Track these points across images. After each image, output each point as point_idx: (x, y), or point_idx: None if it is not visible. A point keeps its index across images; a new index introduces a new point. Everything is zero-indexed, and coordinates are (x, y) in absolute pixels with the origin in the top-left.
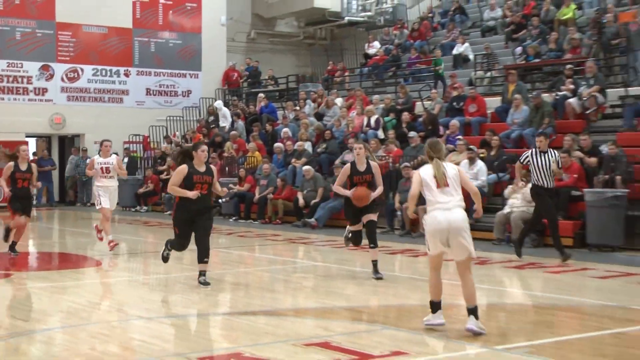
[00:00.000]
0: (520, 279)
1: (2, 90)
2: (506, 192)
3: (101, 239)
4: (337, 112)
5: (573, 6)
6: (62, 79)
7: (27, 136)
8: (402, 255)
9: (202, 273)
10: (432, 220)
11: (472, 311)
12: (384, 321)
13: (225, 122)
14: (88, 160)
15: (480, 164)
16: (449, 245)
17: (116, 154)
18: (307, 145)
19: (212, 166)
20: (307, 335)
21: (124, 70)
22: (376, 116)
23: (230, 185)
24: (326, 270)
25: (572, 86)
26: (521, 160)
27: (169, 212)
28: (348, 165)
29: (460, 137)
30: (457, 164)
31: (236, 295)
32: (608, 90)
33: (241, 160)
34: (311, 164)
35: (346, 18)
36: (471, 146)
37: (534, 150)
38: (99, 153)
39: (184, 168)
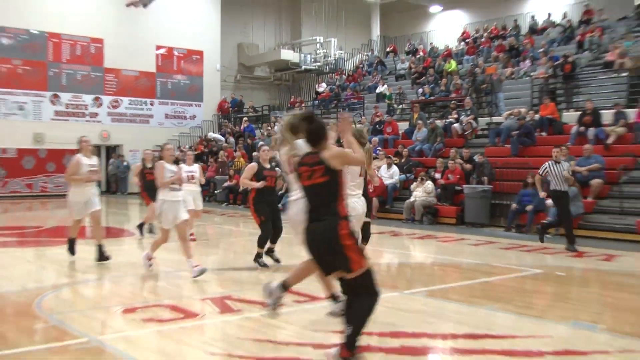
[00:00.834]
0: (420, 246)
1: (68, 114)
2: (412, 186)
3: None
4: None
5: (454, 62)
6: (108, 107)
7: None
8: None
9: (272, 249)
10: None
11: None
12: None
13: (218, 140)
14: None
15: (394, 168)
16: None
17: (179, 162)
18: (276, 154)
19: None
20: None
21: (150, 101)
22: None
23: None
24: (289, 239)
25: (455, 115)
26: (540, 173)
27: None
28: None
29: (380, 149)
30: (378, 167)
31: (227, 256)
32: (479, 118)
33: (230, 163)
34: (278, 167)
35: (303, 66)
36: (388, 155)
37: (550, 162)
38: (183, 162)
39: (254, 165)
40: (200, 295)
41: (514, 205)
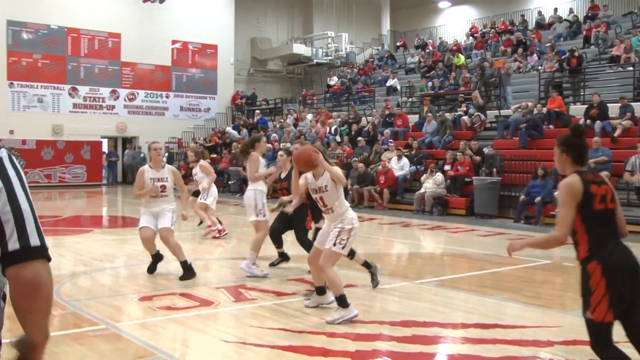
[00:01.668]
0: (430, 237)
1: (86, 107)
2: (422, 178)
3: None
4: (308, 123)
5: (462, 56)
6: (125, 99)
7: (101, 137)
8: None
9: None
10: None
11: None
12: (340, 264)
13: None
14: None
15: (405, 160)
16: None
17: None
18: (288, 146)
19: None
20: (289, 273)
21: (165, 94)
22: (335, 126)
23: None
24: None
25: (464, 108)
26: (628, 169)
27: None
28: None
29: (391, 141)
30: (389, 159)
31: (240, 246)
32: (487, 111)
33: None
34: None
35: (314, 60)
36: (399, 147)
37: (635, 156)
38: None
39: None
40: (215, 284)
41: (522, 197)
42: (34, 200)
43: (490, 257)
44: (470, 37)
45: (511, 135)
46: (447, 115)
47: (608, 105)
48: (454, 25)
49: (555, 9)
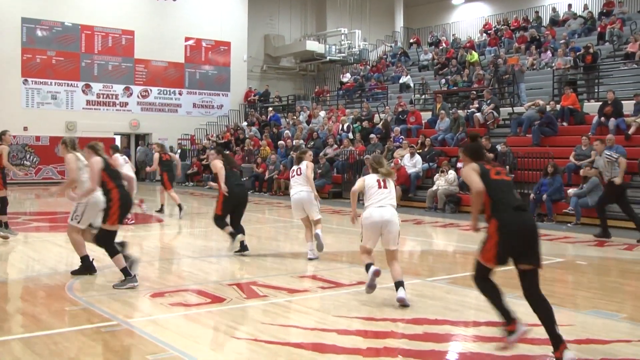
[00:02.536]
0: (442, 234)
1: (99, 104)
2: (435, 176)
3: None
4: (321, 120)
5: (476, 53)
6: (138, 96)
7: (114, 134)
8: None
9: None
10: (368, 215)
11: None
12: (352, 261)
13: (247, 130)
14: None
15: (417, 157)
16: (381, 235)
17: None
18: (301, 142)
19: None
20: (301, 270)
21: (178, 91)
22: (347, 123)
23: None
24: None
25: (477, 105)
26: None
27: (208, 187)
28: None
29: (403, 138)
30: (402, 156)
31: (251, 243)
32: (501, 108)
33: (256, 152)
34: None
35: (328, 57)
36: (411, 144)
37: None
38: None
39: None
40: (227, 280)
41: (532, 196)
42: (47, 197)
43: None
44: (484, 34)
45: (524, 133)
46: (460, 112)
47: (622, 102)
48: (467, 22)
49: (570, 5)
